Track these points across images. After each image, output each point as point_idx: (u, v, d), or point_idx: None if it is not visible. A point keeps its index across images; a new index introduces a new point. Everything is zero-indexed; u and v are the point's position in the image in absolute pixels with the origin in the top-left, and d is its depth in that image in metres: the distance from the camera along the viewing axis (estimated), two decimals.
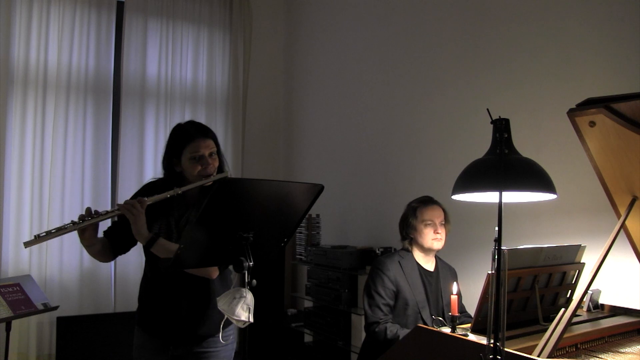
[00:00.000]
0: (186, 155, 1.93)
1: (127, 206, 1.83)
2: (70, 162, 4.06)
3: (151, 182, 2.06)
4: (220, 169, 2.00)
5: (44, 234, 1.81)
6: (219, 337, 1.93)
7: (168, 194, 1.88)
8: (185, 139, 1.94)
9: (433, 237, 2.44)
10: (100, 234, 1.98)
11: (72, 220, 1.84)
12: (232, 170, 4.72)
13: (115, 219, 2.03)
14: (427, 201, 2.52)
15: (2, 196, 3.79)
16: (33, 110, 3.96)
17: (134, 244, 2.01)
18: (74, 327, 3.58)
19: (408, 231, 2.50)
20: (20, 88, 3.93)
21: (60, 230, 1.81)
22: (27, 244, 1.82)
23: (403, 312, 2.41)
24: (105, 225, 2.05)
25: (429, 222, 2.44)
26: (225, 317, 1.60)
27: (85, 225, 1.82)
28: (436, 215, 2.46)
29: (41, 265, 3.88)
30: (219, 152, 2.00)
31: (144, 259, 2.04)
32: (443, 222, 2.48)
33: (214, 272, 1.92)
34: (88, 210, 1.85)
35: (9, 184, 3.83)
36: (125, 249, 2.05)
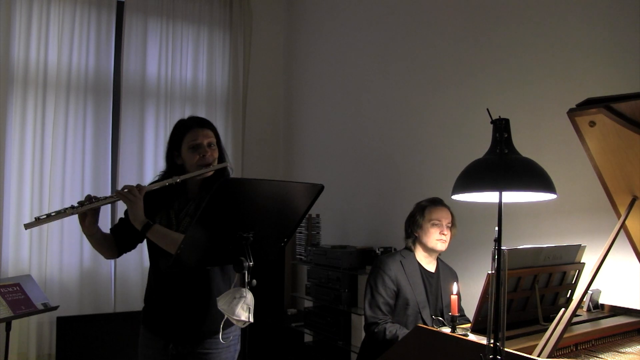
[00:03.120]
0: (185, 146, 1.96)
1: (125, 192, 1.86)
2: (70, 162, 4.06)
3: (154, 181, 2.08)
4: (221, 160, 2.01)
5: (44, 216, 1.84)
6: (219, 338, 1.93)
7: (166, 182, 1.91)
8: (184, 129, 1.98)
9: (438, 238, 2.44)
10: (107, 231, 2.02)
11: (71, 205, 1.87)
12: (232, 170, 4.73)
13: (123, 216, 2.05)
14: (436, 202, 2.53)
15: (2, 196, 3.79)
16: (33, 110, 3.96)
17: (141, 240, 2.02)
18: (74, 327, 3.58)
19: (413, 229, 2.50)
20: (20, 88, 3.93)
21: (60, 214, 1.84)
22: (27, 226, 1.85)
23: (403, 311, 2.42)
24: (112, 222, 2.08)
25: (436, 222, 2.45)
26: (225, 317, 1.60)
27: (84, 210, 1.84)
28: (444, 216, 2.47)
29: (41, 265, 3.88)
30: (219, 144, 2.02)
31: (144, 259, 2.05)
32: (449, 225, 2.48)
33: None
34: (88, 196, 1.88)
35: (9, 184, 3.83)
36: (131, 246, 2.06)
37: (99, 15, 4.23)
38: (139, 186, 1.88)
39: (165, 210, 1.98)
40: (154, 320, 2.00)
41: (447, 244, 2.47)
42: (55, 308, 3.04)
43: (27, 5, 3.95)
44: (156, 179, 2.04)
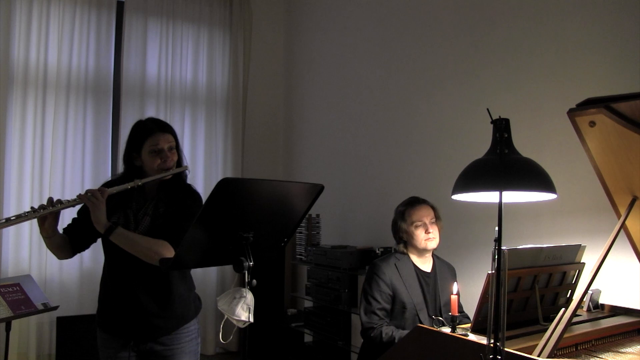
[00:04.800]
0: (146, 149, 1.97)
1: (88, 195, 1.86)
2: (70, 162, 4.07)
3: (109, 180, 2.09)
4: (179, 163, 2.04)
5: (4, 220, 1.85)
6: (180, 333, 1.98)
7: (129, 185, 1.93)
8: (145, 133, 1.98)
9: (425, 238, 2.42)
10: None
11: (31, 207, 1.87)
12: (232, 170, 4.74)
13: (77, 216, 2.05)
14: (413, 202, 2.49)
15: (2, 196, 3.79)
16: (33, 110, 3.96)
17: (94, 240, 2.04)
18: (74, 327, 3.58)
19: (400, 235, 2.48)
20: (20, 88, 3.93)
21: (20, 218, 1.84)
22: None
23: (401, 314, 2.40)
24: (66, 222, 2.08)
25: (419, 223, 2.42)
26: (226, 317, 1.60)
27: (44, 213, 1.84)
28: (425, 214, 2.44)
29: (41, 265, 3.88)
30: (177, 148, 2.05)
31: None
32: (433, 221, 2.45)
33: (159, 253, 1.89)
34: (49, 199, 1.88)
35: (9, 184, 3.83)
36: (85, 246, 2.06)
37: (99, 16, 4.23)
38: (101, 190, 1.89)
39: (122, 210, 1.99)
40: (110, 321, 2.00)
41: (436, 240, 2.44)
42: (55, 308, 3.04)
43: (27, 5, 3.96)
44: (111, 179, 2.06)
